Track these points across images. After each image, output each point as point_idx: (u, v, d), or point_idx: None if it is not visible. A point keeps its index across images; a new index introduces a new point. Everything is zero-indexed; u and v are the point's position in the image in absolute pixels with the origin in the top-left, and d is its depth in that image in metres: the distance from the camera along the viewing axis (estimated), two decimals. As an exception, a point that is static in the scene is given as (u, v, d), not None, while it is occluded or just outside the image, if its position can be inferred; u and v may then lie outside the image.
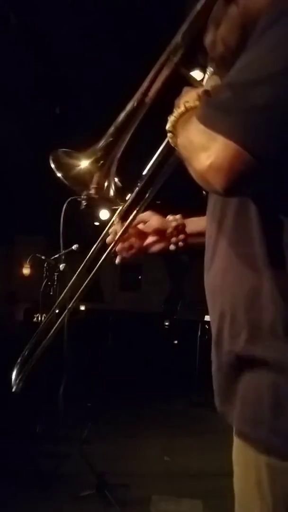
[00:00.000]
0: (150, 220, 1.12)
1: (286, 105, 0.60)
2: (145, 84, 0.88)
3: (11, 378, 1.11)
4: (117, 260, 1.11)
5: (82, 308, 8.37)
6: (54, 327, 1.09)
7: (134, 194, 1.02)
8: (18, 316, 7.23)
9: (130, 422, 4.01)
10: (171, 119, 0.80)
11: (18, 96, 3.76)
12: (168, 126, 0.81)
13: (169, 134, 0.82)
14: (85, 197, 0.93)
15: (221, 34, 0.80)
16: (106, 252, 1.05)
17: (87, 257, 1.10)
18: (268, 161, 0.62)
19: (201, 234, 1.04)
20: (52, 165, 0.89)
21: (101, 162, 0.91)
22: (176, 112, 0.79)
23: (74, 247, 3.66)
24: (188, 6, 0.85)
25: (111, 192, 0.94)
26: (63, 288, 1.23)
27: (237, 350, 0.76)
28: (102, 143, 0.91)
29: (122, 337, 6.40)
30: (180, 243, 1.12)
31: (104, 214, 6.73)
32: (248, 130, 0.61)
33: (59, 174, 0.89)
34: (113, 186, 0.94)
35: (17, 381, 1.09)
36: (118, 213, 1.05)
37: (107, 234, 1.08)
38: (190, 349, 5.54)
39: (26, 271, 8.08)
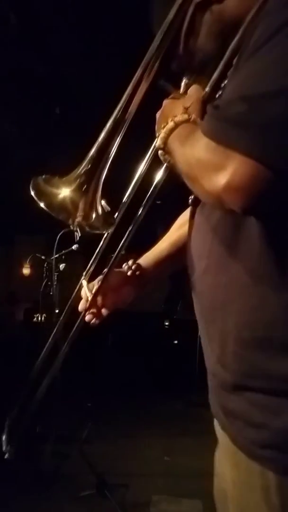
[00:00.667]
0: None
1: None
2: (124, 100, 0.83)
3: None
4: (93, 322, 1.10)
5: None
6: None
7: (94, 261, 1.05)
8: (18, 316, 7.22)
9: (130, 422, 4.00)
10: (161, 135, 0.76)
11: (18, 96, 3.76)
12: (158, 144, 0.78)
13: (160, 152, 0.79)
14: (76, 228, 0.85)
15: (199, 41, 0.80)
16: (78, 321, 1.07)
17: (58, 324, 1.11)
18: (285, 175, 0.58)
19: (159, 263, 1.11)
20: (33, 194, 0.80)
21: (85, 187, 0.83)
22: (166, 128, 0.75)
23: (74, 247, 3.67)
24: (156, 20, 0.85)
25: (100, 219, 0.86)
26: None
27: (245, 369, 0.74)
28: (84, 166, 0.84)
29: (122, 337, 6.40)
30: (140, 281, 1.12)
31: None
32: (269, 146, 0.57)
33: (41, 204, 0.80)
34: (100, 212, 0.85)
35: (8, 446, 1.04)
36: (85, 276, 1.07)
37: (76, 299, 1.07)
38: (190, 349, 5.54)
39: (26, 271, 8.07)
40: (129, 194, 0.94)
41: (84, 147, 0.90)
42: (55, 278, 3.51)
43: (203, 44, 0.80)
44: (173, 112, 0.76)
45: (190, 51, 0.82)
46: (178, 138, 0.74)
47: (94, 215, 0.84)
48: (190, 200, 0.88)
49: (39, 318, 3.66)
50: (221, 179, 0.60)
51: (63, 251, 3.62)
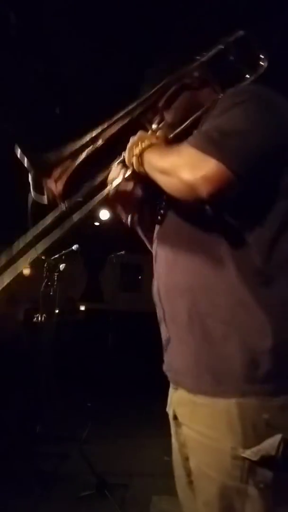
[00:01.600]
0: None
1: (253, 148, 0.94)
2: (107, 124, 1.13)
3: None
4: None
5: (82, 308, 8.35)
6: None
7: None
8: (18, 317, 7.21)
9: (130, 422, 4.01)
10: (139, 147, 1.09)
11: (18, 96, 3.76)
12: (136, 153, 1.10)
13: (134, 158, 1.10)
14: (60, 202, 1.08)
15: (173, 106, 1.19)
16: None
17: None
18: (243, 181, 0.92)
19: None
20: (18, 153, 1.08)
21: (63, 164, 1.07)
22: (145, 144, 1.09)
23: (74, 247, 3.67)
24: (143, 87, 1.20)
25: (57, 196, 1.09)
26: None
27: (221, 332, 0.99)
28: (67, 151, 1.09)
29: (122, 337, 6.40)
30: None
31: (104, 214, 6.73)
32: (233, 159, 0.92)
33: (25, 162, 1.07)
34: (60, 190, 1.08)
35: None
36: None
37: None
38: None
39: (26, 271, 8.07)
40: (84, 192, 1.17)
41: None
42: (55, 278, 3.50)
43: (174, 109, 1.19)
44: (148, 138, 1.12)
45: (164, 110, 1.20)
46: (157, 151, 1.08)
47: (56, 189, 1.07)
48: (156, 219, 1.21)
49: (39, 318, 3.65)
50: (199, 172, 0.93)
51: (63, 251, 3.62)
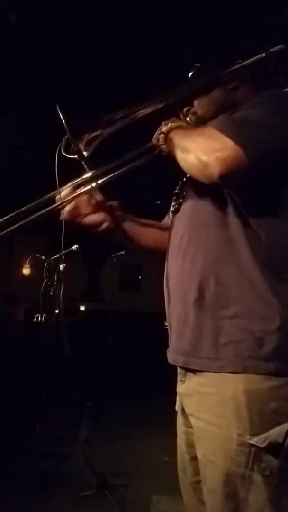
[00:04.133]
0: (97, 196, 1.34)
1: (271, 141, 0.98)
2: (145, 105, 1.22)
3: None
4: (61, 217, 1.33)
5: (82, 308, 8.35)
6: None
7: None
8: (18, 317, 7.21)
9: (130, 422, 4.01)
10: (168, 126, 1.16)
11: (18, 96, 3.76)
12: (164, 130, 1.16)
13: (161, 135, 1.16)
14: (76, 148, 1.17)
15: (205, 102, 1.25)
16: (54, 206, 1.30)
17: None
18: (254, 168, 0.96)
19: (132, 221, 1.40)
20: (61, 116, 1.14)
21: (95, 131, 1.18)
22: (173, 124, 1.16)
23: (74, 247, 3.66)
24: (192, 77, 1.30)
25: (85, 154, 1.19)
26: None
27: (231, 313, 1.02)
28: (101, 120, 1.19)
29: (122, 337, 6.41)
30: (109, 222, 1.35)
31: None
32: (250, 145, 0.96)
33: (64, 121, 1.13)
34: (87, 152, 1.18)
35: None
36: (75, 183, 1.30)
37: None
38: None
39: (26, 271, 8.08)
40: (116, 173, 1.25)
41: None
42: (55, 278, 3.50)
43: (207, 104, 1.25)
44: (178, 121, 1.19)
45: (197, 103, 1.26)
46: (183, 131, 1.13)
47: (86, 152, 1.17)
48: (172, 208, 1.27)
49: (39, 318, 3.65)
50: (216, 152, 0.97)
51: (63, 251, 3.62)
